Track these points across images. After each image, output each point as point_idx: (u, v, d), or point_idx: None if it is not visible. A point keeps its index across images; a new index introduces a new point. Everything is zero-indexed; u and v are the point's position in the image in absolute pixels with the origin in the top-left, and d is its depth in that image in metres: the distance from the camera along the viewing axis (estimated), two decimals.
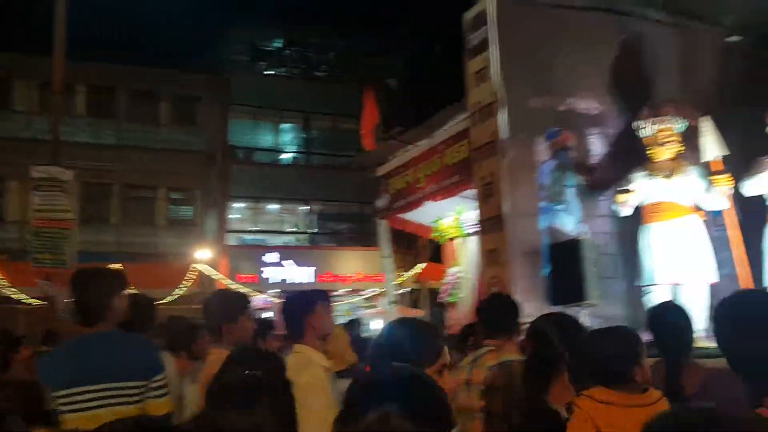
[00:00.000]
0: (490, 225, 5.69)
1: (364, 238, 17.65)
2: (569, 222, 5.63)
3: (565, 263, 5.31)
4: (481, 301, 2.74)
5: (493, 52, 5.69)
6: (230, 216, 18.49)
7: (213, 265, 15.80)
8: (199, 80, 17.85)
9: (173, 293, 14.12)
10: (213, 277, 15.29)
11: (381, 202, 8.55)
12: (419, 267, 15.12)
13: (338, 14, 17.87)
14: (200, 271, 15.22)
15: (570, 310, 5.44)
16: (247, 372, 1.50)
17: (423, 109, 8.56)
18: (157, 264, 15.29)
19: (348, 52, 20.40)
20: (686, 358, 2.44)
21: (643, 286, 5.52)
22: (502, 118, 5.60)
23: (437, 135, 7.05)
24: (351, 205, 19.30)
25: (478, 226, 6.09)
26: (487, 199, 5.73)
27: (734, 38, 6.42)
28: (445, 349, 1.71)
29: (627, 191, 5.45)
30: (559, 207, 5.64)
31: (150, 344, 2.38)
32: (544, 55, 5.81)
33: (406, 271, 14.73)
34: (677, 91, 6.05)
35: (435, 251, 12.71)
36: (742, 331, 1.32)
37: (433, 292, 12.20)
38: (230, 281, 15.57)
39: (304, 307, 2.38)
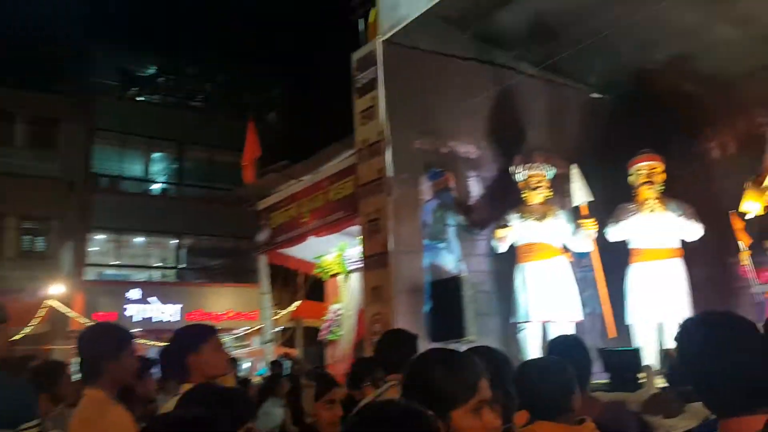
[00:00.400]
0: (375, 261, 5.72)
1: (238, 274, 17.09)
2: (450, 260, 5.82)
3: (445, 300, 5.45)
4: (381, 337, 2.68)
5: (380, 93, 5.83)
6: (90, 248, 17.18)
7: (67, 301, 14.54)
8: (58, 102, 16.60)
9: (21, 332, 12.79)
10: (67, 314, 14.06)
11: (261, 237, 8.36)
12: (295, 305, 14.85)
13: (218, 45, 17.53)
14: (51, 308, 13.94)
15: (451, 347, 5.59)
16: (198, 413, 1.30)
17: (308, 145, 8.55)
18: (4, 300, 13.79)
19: (227, 84, 20.02)
20: (584, 390, 2.52)
21: (517, 323, 5.78)
22: (388, 156, 5.72)
23: (323, 170, 7.05)
24: (225, 239, 18.67)
25: (362, 262, 6.11)
26: (372, 235, 5.78)
27: (597, 95, 7.04)
28: (484, 382, 1.49)
29: (505, 226, 5.73)
30: (440, 245, 5.81)
31: (24, 385, 2.09)
32: (428, 99, 6.03)
33: (282, 308, 14.41)
34: (548, 140, 6.51)
35: (312, 289, 12.57)
36: (709, 350, 1.36)
37: (309, 331, 12.01)
38: (86, 319, 14.39)
39: (187, 344, 2.20)
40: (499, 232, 5.74)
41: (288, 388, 4.73)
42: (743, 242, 5.33)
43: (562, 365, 2.11)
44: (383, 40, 5.91)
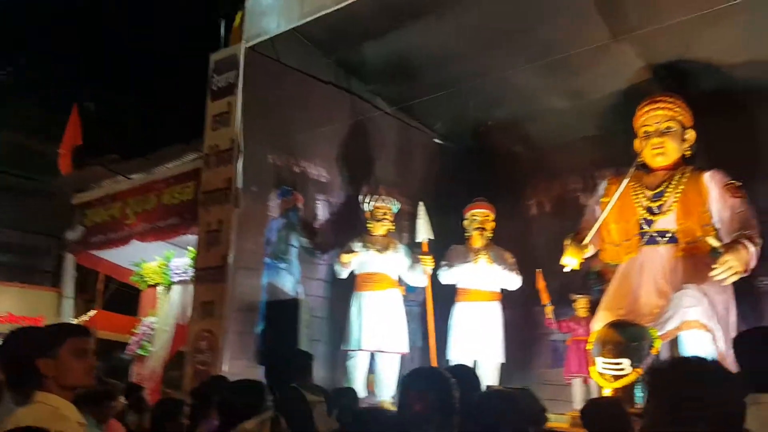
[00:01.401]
0: (210, 275, 5.38)
1: (22, 272, 15.09)
2: (289, 281, 5.68)
3: (281, 322, 5.28)
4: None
5: (238, 99, 5.59)
6: None
7: None
8: None
9: None
10: None
11: (72, 235, 7.47)
12: (90, 313, 13.44)
13: (47, 33, 15.64)
14: None
15: None
16: None
17: (145, 142, 7.90)
18: None
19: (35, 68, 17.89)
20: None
21: (348, 351, 5.77)
22: (239, 166, 5.47)
23: (159, 171, 6.54)
24: (10, 233, 16.43)
25: (191, 275, 5.73)
26: (211, 247, 5.44)
27: (441, 142, 7.43)
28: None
29: (352, 252, 5.74)
30: (281, 265, 5.65)
31: None
32: (286, 114, 5.93)
33: (75, 317, 12.96)
34: (394, 176, 6.71)
35: (112, 298, 11.51)
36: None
37: (104, 344, 10.92)
38: None
39: (38, 346, 1.84)
40: (345, 257, 5.75)
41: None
42: (543, 299, 5.91)
43: (525, 393, 2.17)
44: (247, 47, 5.70)
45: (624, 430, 2.77)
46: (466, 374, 2.77)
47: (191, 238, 5.92)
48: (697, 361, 1.36)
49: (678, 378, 1.32)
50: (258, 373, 5.31)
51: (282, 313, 5.27)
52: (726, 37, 5.24)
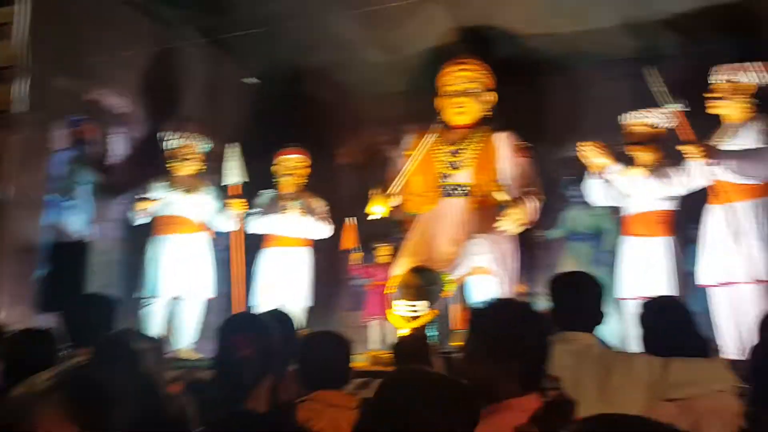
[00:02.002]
0: None
1: None
2: (77, 222, 5.17)
3: (66, 267, 4.81)
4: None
5: (22, 10, 4.83)
6: None
7: None
8: None
9: None
10: None
11: None
12: None
13: None
14: None
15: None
16: None
17: None
18: None
19: None
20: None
21: (143, 298, 5.43)
22: (22, 88, 4.77)
23: None
24: None
25: None
26: None
27: (253, 80, 7.16)
28: None
29: (147, 200, 5.34)
30: (67, 203, 5.10)
31: None
32: (81, 33, 5.25)
33: None
34: (204, 113, 6.33)
35: None
36: None
37: None
38: None
39: None
40: (141, 204, 5.32)
41: None
42: (349, 245, 6.13)
43: (339, 338, 2.20)
44: None
45: (427, 359, 3.02)
46: (282, 318, 2.80)
47: None
48: (512, 304, 1.50)
49: (494, 318, 1.46)
50: (38, 321, 4.82)
51: (68, 256, 4.79)
52: (527, 8, 5.67)
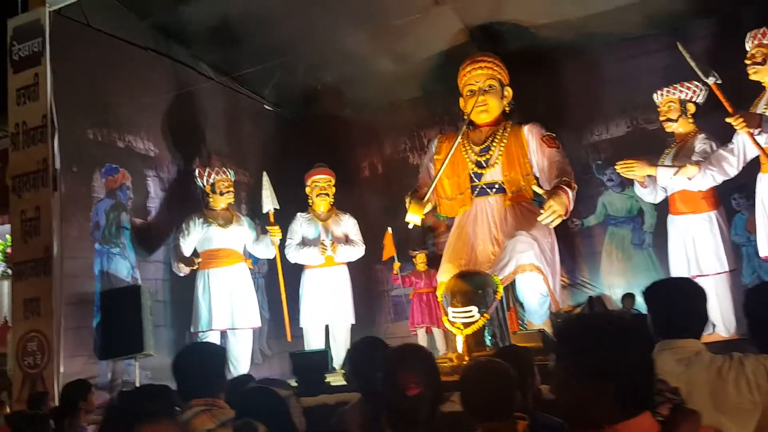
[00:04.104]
0: (31, 269, 4.76)
1: None
2: (124, 267, 5.27)
3: (120, 311, 4.89)
4: (177, 358, 2.29)
5: (47, 71, 4.95)
6: None
7: None
8: None
9: None
10: None
11: None
12: None
13: None
14: None
15: (120, 364, 5.03)
16: None
17: None
18: None
19: None
20: None
21: (198, 332, 5.50)
22: (54, 145, 4.88)
23: None
24: None
25: (11, 270, 5.04)
26: (29, 237, 4.80)
27: (271, 108, 7.24)
28: None
29: (192, 260, 5.42)
30: (114, 250, 5.20)
31: None
32: (103, 85, 5.39)
33: None
34: (227, 145, 6.42)
35: None
36: None
37: None
38: None
39: None
40: (183, 267, 5.42)
41: None
42: (388, 255, 6.14)
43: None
44: (52, 11, 5.04)
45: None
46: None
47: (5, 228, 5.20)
48: (602, 316, 1.39)
49: (583, 336, 1.31)
50: (99, 370, 4.92)
51: (121, 301, 4.88)
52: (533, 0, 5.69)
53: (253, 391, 2.18)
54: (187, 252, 5.49)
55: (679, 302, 2.00)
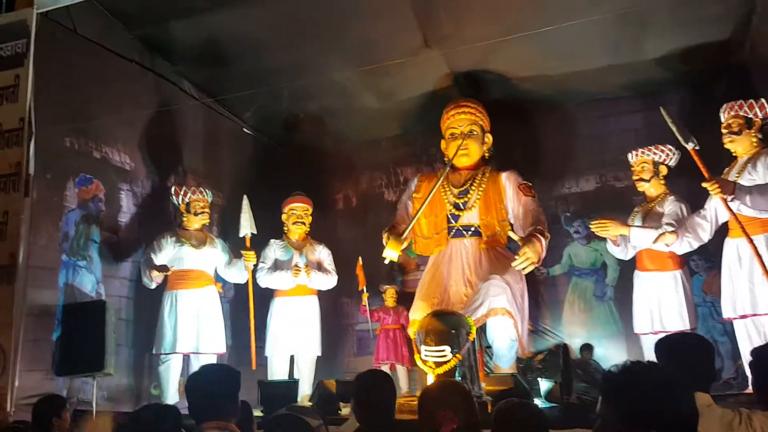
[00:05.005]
0: None
1: None
2: (89, 281, 5.10)
3: (82, 327, 4.72)
4: (190, 379, 2.23)
5: (29, 72, 4.83)
6: None
7: None
8: None
9: None
10: None
11: None
12: None
13: None
14: None
15: (76, 381, 4.84)
16: None
17: None
18: None
19: None
20: None
21: (160, 354, 5.34)
22: (30, 150, 4.73)
23: None
24: None
25: None
26: None
27: (251, 132, 7.22)
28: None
29: (163, 269, 5.29)
30: (81, 263, 5.04)
31: None
32: (84, 93, 5.27)
33: None
34: (204, 165, 6.35)
35: None
36: None
37: None
38: None
39: None
40: (156, 274, 5.27)
41: None
42: (360, 285, 6.13)
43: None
44: (39, 13, 4.95)
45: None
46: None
47: None
48: (646, 367, 1.45)
49: (628, 384, 1.39)
50: (55, 386, 4.71)
51: (84, 317, 4.71)
52: (519, 53, 5.87)
53: (284, 418, 2.15)
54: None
55: (691, 356, 2.07)
